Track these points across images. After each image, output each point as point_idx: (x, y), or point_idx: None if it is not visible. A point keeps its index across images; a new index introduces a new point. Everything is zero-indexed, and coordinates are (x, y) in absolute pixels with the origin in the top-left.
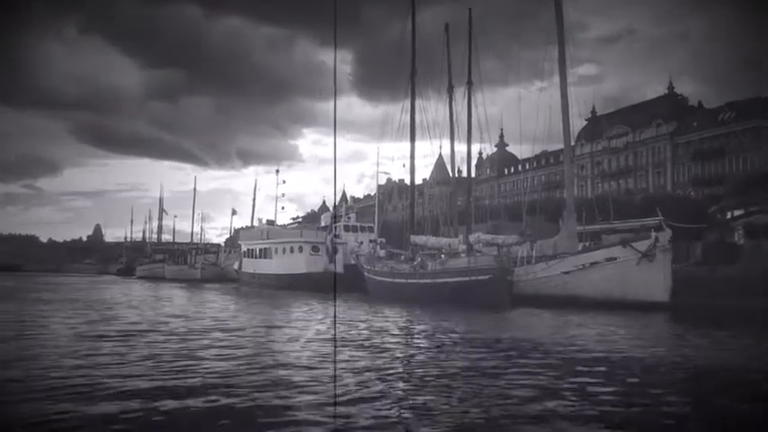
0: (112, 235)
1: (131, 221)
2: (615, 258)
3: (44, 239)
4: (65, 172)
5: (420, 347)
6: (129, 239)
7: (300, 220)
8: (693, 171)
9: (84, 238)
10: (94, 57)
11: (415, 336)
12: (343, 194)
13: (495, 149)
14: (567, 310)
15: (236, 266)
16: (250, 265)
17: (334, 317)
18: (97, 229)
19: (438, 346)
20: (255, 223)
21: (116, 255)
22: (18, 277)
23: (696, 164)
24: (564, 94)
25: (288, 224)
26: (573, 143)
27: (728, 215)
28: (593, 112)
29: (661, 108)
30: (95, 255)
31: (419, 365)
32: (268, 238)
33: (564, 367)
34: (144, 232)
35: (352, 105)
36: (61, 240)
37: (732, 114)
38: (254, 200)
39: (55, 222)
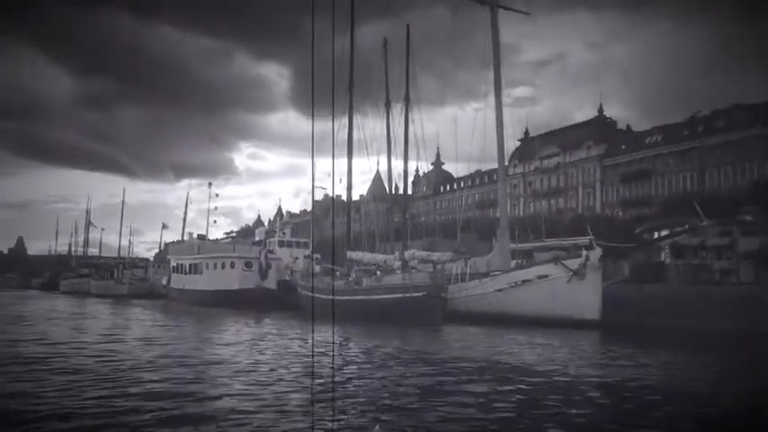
0: (36, 248)
1: (56, 234)
2: (547, 276)
3: None
4: None
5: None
6: (53, 252)
7: (235, 234)
8: (621, 192)
9: (6, 251)
10: (20, 62)
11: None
12: (279, 209)
13: (431, 167)
14: (499, 327)
15: (164, 282)
16: (179, 281)
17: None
18: (20, 242)
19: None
20: (186, 237)
21: (39, 269)
22: None
23: (624, 185)
24: (499, 115)
25: (221, 239)
26: (506, 163)
27: (655, 235)
28: (527, 132)
29: (591, 131)
30: (17, 268)
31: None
32: (199, 253)
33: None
34: (69, 245)
35: (289, 119)
36: None
37: (659, 137)
38: (185, 213)
39: None
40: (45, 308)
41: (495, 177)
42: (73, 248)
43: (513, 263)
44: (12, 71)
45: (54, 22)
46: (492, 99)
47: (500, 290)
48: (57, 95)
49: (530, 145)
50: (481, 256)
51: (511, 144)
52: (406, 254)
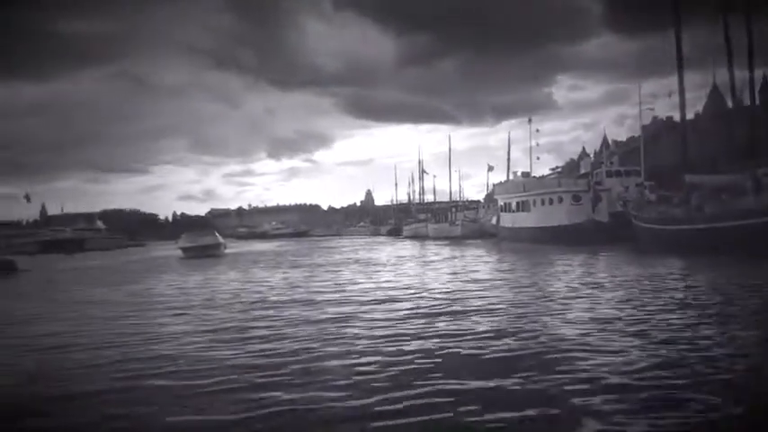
0: (382, 198)
1: (395, 184)
2: None
3: (325, 207)
4: (335, 144)
5: None
6: (395, 202)
7: (560, 169)
8: None
9: (358, 203)
10: (350, 30)
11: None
12: (604, 138)
13: None
14: None
15: (493, 221)
16: (508, 220)
17: None
18: (368, 194)
19: None
20: (511, 177)
21: (385, 217)
22: (308, 241)
23: None
24: None
25: (546, 175)
26: None
27: None
28: None
29: None
30: (368, 218)
31: None
32: (525, 191)
33: None
34: (408, 194)
35: (608, 44)
36: (339, 207)
37: None
38: (508, 153)
39: (332, 190)
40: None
41: None
42: (411, 197)
43: None
44: (344, 41)
45: None
46: None
47: None
48: (382, 58)
49: None
50: None
51: None
52: (759, 171)
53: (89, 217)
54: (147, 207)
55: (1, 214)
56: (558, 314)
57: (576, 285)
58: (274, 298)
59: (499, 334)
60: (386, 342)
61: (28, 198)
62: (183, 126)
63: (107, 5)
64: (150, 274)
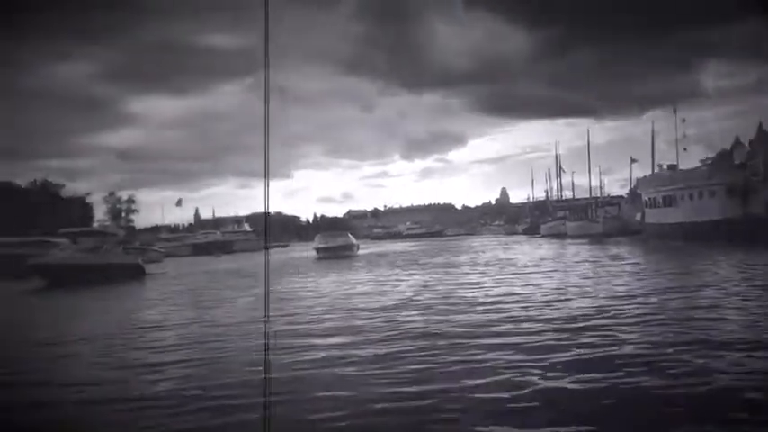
0: (517, 196)
1: (532, 181)
2: None
3: (458, 206)
4: (469, 142)
5: None
6: (531, 199)
7: (710, 161)
8: None
9: (493, 202)
10: (480, 29)
11: None
12: (759, 126)
13: None
14: None
15: (637, 217)
16: (654, 215)
17: None
18: (503, 193)
19: None
20: (656, 170)
21: (522, 215)
22: (442, 241)
23: None
24: None
25: (695, 167)
26: None
27: None
28: None
29: None
30: (503, 216)
31: None
32: (671, 185)
33: None
34: (546, 191)
35: (762, 26)
36: (473, 206)
37: None
38: (652, 145)
39: (466, 190)
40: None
41: None
42: (549, 194)
43: None
44: (474, 39)
45: None
46: None
47: None
48: (514, 53)
49: None
50: None
51: None
52: None
53: (237, 220)
54: (289, 210)
55: (158, 219)
56: None
57: None
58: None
59: None
60: None
61: (180, 204)
62: (321, 131)
63: (244, 20)
64: (282, 276)
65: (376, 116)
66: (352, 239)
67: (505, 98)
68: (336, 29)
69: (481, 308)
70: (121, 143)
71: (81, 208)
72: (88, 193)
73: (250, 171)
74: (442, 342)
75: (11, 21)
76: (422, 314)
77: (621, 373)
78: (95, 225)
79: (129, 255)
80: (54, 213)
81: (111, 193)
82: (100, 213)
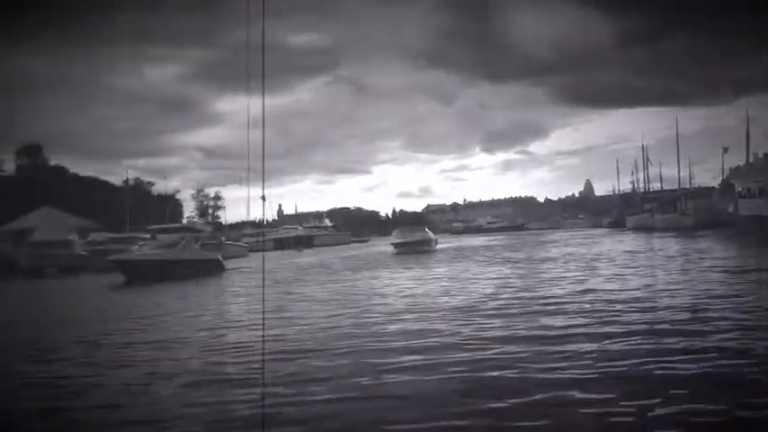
0: (602, 189)
1: (617, 173)
2: None
3: (541, 199)
4: (551, 134)
5: None
6: (617, 191)
7: None
8: None
9: (577, 194)
10: (562, 16)
11: None
12: None
13: None
14: None
15: (730, 209)
16: (748, 207)
17: None
18: (588, 185)
19: None
20: (751, 159)
21: (607, 208)
22: (524, 235)
23: None
24: None
25: None
26: None
27: None
28: None
29: None
30: (587, 209)
31: None
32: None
33: None
34: (632, 183)
35: None
36: (556, 198)
37: None
38: (747, 133)
39: (548, 182)
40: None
41: None
42: (635, 185)
43: None
44: (557, 28)
45: None
46: None
47: None
48: (598, 42)
49: None
50: None
51: None
52: None
53: (318, 215)
54: (369, 205)
55: (242, 215)
56: None
57: None
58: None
59: None
60: None
61: (264, 199)
62: (400, 126)
63: (325, 18)
64: (353, 271)
65: (456, 109)
66: (430, 234)
67: (590, 87)
68: (416, 22)
69: (569, 307)
70: (208, 142)
71: (171, 205)
72: (178, 191)
73: (331, 167)
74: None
75: (106, 25)
76: (502, 313)
77: None
78: (184, 221)
79: (207, 250)
80: (146, 210)
81: (199, 191)
82: (189, 210)
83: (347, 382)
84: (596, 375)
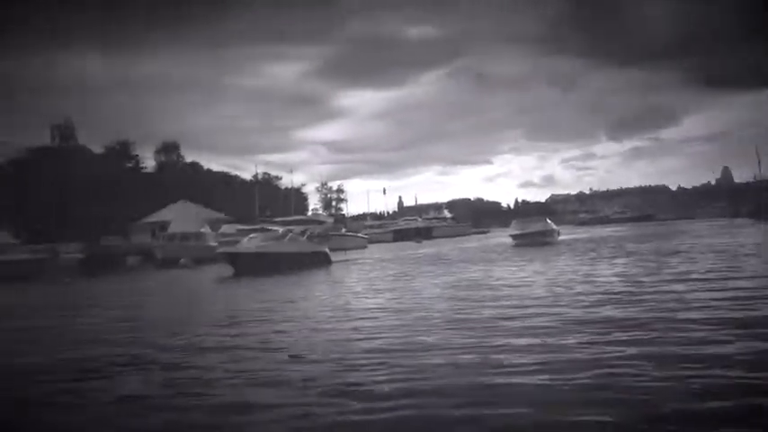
0: (741, 176)
1: (758, 160)
2: None
3: (673, 187)
4: (684, 119)
5: None
6: (758, 178)
7: None
8: None
9: (713, 182)
10: None
11: None
12: None
13: None
14: None
15: None
16: None
17: None
18: (725, 171)
19: None
20: None
21: (746, 195)
22: (654, 225)
23: None
24: None
25: None
26: None
27: None
28: None
29: None
30: (724, 198)
31: None
32: None
33: None
34: None
35: None
36: (689, 186)
37: None
38: None
39: (680, 170)
40: None
41: None
42: None
43: None
44: (687, 7)
45: None
46: None
47: None
48: (733, 17)
49: None
50: None
51: None
52: None
53: (437, 207)
54: (490, 195)
55: (363, 207)
56: None
57: None
58: None
59: None
60: None
61: (384, 192)
62: (521, 114)
63: (442, 9)
64: (475, 264)
65: (579, 96)
66: (552, 225)
67: (723, 70)
68: (534, 8)
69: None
70: (332, 136)
71: (297, 198)
72: (303, 184)
73: (452, 158)
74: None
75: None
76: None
77: None
78: (309, 214)
79: (313, 243)
80: (273, 203)
81: (323, 184)
82: (314, 202)
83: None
84: None
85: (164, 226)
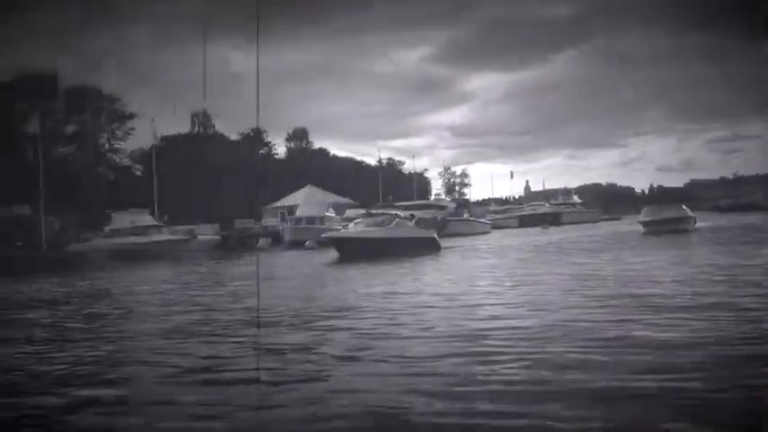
0: None
1: None
2: None
3: None
4: None
5: None
6: None
7: None
8: None
9: None
10: None
11: None
12: None
13: None
14: None
15: None
16: None
17: None
18: None
19: None
20: None
21: None
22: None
23: None
24: None
25: None
26: None
27: None
28: None
29: None
30: None
31: None
32: None
33: None
34: None
35: None
36: None
37: None
38: None
39: None
40: None
41: None
42: None
43: None
44: None
45: None
46: None
47: None
48: None
49: None
50: None
51: None
52: None
53: (566, 192)
54: (624, 180)
55: (487, 192)
56: None
57: None
58: None
59: None
60: None
61: (512, 175)
62: (660, 94)
63: None
64: (599, 254)
65: (726, 73)
66: (688, 212)
67: None
68: None
69: None
70: (457, 120)
71: (420, 183)
72: (426, 169)
73: (584, 141)
74: None
75: (355, 15)
76: None
77: None
78: (431, 198)
79: (421, 228)
80: (397, 188)
81: (446, 168)
82: (437, 187)
83: None
84: None
85: (291, 210)
